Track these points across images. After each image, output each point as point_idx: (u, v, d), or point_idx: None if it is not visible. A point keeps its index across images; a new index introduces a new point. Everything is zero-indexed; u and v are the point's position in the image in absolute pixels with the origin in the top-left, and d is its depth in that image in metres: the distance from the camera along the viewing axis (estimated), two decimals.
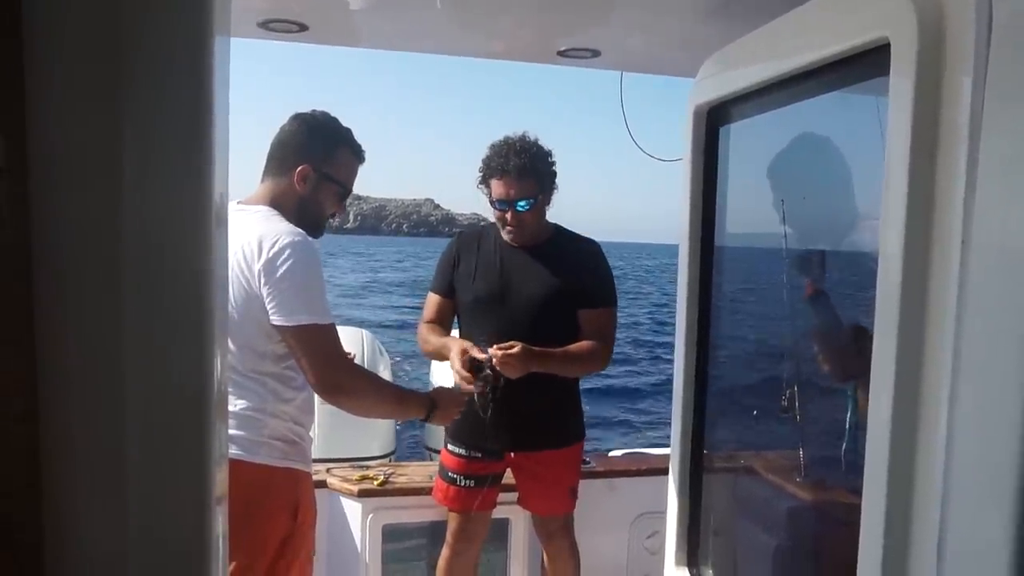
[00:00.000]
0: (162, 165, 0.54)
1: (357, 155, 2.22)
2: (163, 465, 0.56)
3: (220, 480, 0.61)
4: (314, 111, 2.20)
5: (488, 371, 2.51)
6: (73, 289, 0.53)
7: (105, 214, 0.52)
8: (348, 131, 2.19)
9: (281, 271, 1.92)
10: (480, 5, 2.02)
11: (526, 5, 2.02)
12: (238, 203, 2.11)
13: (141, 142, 0.53)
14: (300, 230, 2.02)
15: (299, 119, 2.15)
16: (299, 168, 2.09)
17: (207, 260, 0.57)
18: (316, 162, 2.11)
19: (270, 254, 1.93)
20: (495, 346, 2.52)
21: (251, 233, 1.98)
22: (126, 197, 0.52)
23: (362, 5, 2.01)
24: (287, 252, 1.93)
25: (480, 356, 2.53)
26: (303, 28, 2.12)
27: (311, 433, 2.20)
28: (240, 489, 1.94)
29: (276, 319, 1.94)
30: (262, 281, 1.93)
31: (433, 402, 2.25)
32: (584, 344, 2.70)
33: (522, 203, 2.65)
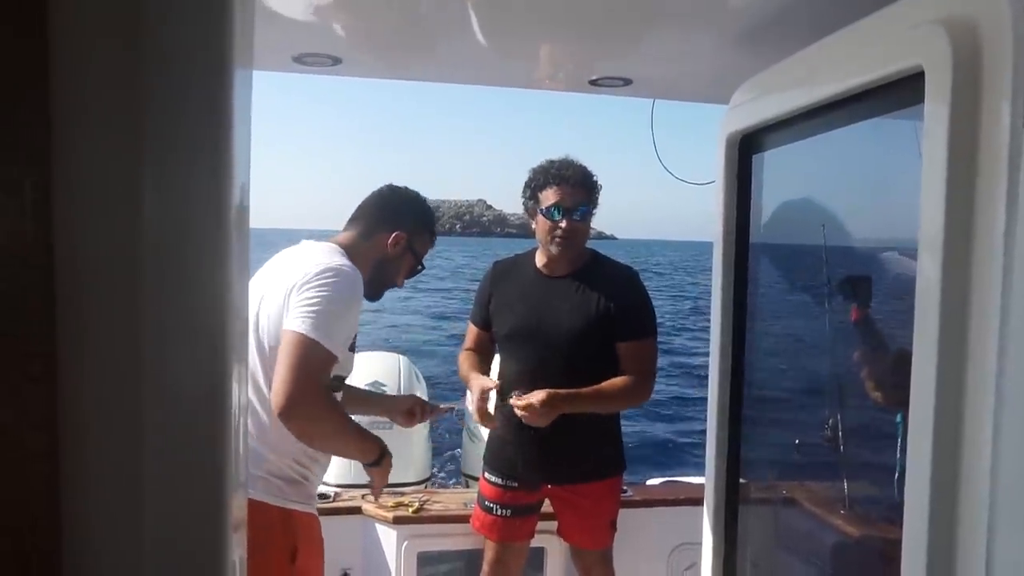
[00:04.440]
0: (182, 192, 0.55)
1: (434, 239, 2.38)
2: (180, 491, 0.56)
3: (237, 506, 0.61)
4: (407, 189, 2.35)
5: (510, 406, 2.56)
6: (93, 313, 0.53)
7: (125, 243, 0.53)
8: (433, 214, 2.37)
9: (312, 287, 1.92)
10: (512, 36, 2.04)
11: (558, 36, 2.04)
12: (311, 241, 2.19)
13: (161, 169, 0.54)
14: (355, 267, 2.04)
15: (398, 190, 2.33)
16: (396, 233, 2.21)
17: (226, 287, 0.57)
18: (410, 233, 2.24)
19: (310, 274, 1.95)
20: (515, 396, 2.52)
21: (307, 261, 2.02)
22: (146, 226, 0.53)
23: (392, 38, 2.04)
24: (327, 275, 1.95)
25: (492, 386, 2.60)
26: (337, 62, 2.17)
27: (320, 473, 2.14)
28: None
29: (284, 323, 1.91)
30: (293, 295, 1.92)
31: (384, 452, 2.14)
32: (619, 380, 2.63)
33: (582, 209, 2.64)
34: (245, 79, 0.59)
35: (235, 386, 0.59)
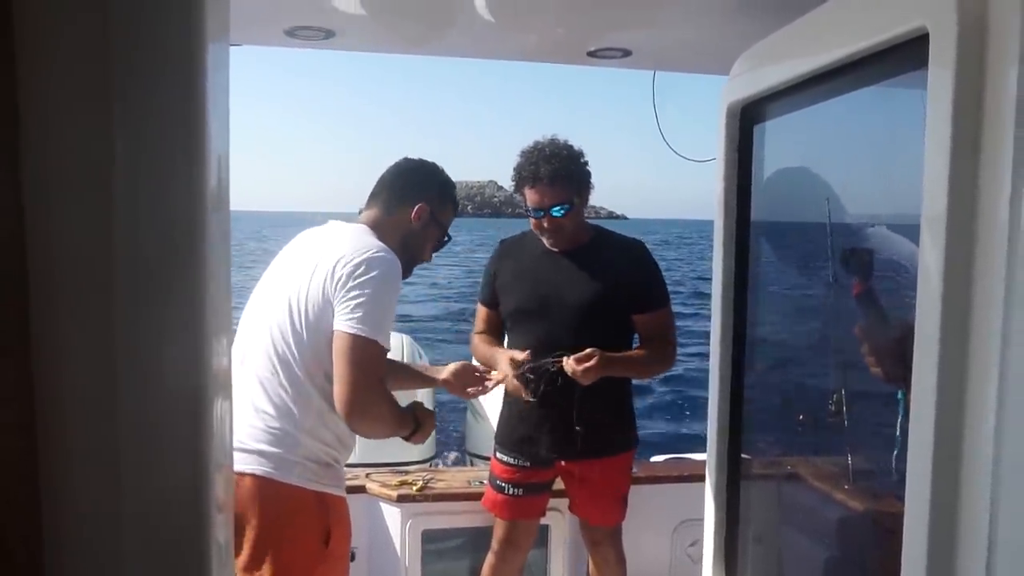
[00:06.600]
0: (154, 170, 0.53)
1: (456, 208, 2.35)
2: (160, 472, 0.56)
3: (220, 486, 0.60)
4: (424, 160, 2.31)
5: (536, 376, 2.52)
6: (67, 294, 0.52)
7: (98, 219, 0.52)
8: (453, 184, 2.35)
9: (359, 280, 1.93)
10: (508, 7, 2.00)
11: (555, 6, 2.00)
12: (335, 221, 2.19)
13: (133, 146, 0.52)
14: (388, 248, 2.04)
15: (415, 162, 2.29)
16: (419, 205, 2.17)
17: (202, 263, 0.56)
18: (433, 204, 2.20)
19: (354, 261, 1.95)
20: (571, 358, 2.48)
21: (341, 244, 2.01)
22: (118, 202, 0.52)
23: (386, 10, 2.00)
24: (371, 264, 1.96)
25: (523, 357, 2.54)
26: (330, 35, 2.13)
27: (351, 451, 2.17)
28: (269, 508, 1.93)
29: (337, 324, 1.92)
30: (339, 289, 1.93)
31: (418, 422, 2.17)
32: (649, 349, 2.70)
33: (557, 209, 2.62)
34: (220, 53, 0.57)
35: (215, 362, 0.58)
